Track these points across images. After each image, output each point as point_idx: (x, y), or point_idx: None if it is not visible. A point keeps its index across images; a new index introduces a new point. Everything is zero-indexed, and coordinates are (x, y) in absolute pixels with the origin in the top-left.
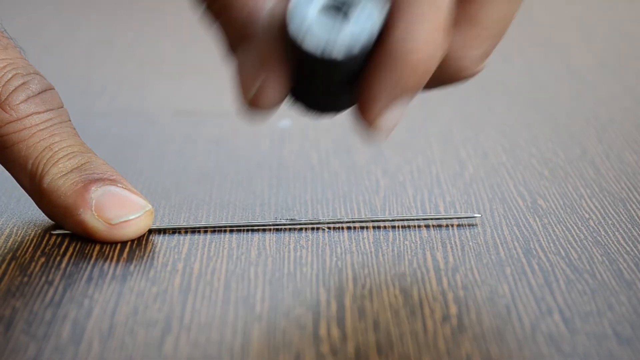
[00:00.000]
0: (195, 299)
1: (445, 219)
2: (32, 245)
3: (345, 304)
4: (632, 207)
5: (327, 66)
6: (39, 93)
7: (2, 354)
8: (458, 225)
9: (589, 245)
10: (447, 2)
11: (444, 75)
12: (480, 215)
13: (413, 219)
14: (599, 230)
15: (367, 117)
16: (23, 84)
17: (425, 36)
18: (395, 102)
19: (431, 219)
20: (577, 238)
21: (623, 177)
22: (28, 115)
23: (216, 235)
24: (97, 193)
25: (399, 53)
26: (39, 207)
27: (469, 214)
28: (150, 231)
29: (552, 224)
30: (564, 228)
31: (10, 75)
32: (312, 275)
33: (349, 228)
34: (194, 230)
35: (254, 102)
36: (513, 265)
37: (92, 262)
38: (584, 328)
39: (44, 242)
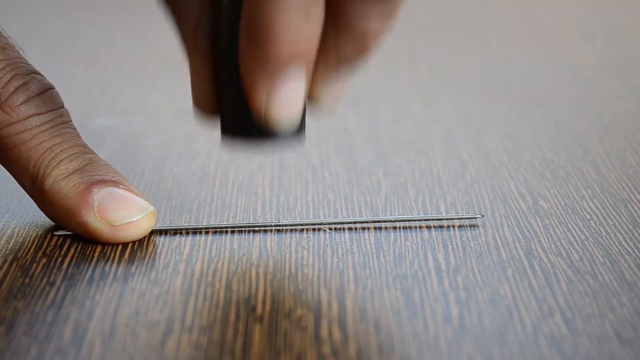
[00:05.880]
0: (196, 300)
1: (447, 219)
2: (33, 247)
3: (346, 305)
4: (634, 208)
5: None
6: (39, 94)
7: (4, 355)
8: (459, 226)
9: (590, 246)
10: None
11: (349, 41)
12: (482, 216)
13: (415, 220)
14: (601, 232)
15: (249, 93)
16: (23, 84)
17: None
18: (277, 77)
19: (433, 219)
20: (578, 239)
21: (624, 178)
22: (29, 117)
23: (217, 236)
24: (99, 195)
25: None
26: (41, 209)
27: (471, 215)
28: (151, 232)
29: (554, 224)
30: (565, 229)
31: (9, 77)
32: (314, 276)
33: (350, 229)
34: (195, 231)
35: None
36: (514, 267)
37: (93, 263)
38: (586, 329)
39: (46, 243)
